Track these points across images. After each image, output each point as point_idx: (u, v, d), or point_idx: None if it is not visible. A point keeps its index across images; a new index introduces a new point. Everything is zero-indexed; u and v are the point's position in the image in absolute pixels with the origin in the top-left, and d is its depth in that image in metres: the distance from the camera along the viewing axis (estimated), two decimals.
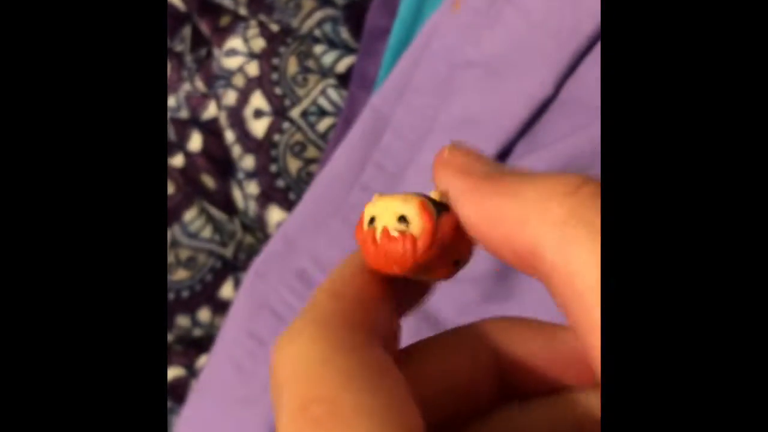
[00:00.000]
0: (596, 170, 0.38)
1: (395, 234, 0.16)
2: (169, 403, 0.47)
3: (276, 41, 0.50)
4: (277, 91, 0.49)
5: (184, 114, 0.52)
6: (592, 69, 0.38)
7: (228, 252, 0.49)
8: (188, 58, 0.53)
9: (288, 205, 0.48)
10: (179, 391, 0.48)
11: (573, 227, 0.14)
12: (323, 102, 0.49)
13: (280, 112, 0.49)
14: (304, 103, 0.49)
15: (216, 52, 0.52)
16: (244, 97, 0.50)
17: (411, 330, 0.18)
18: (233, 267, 0.49)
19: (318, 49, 0.49)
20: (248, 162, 0.49)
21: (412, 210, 0.17)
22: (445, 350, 0.18)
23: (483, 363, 0.18)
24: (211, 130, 0.51)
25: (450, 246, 0.17)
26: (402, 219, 0.17)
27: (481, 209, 0.16)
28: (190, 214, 0.50)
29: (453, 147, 0.18)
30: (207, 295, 0.49)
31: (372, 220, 0.17)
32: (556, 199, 0.15)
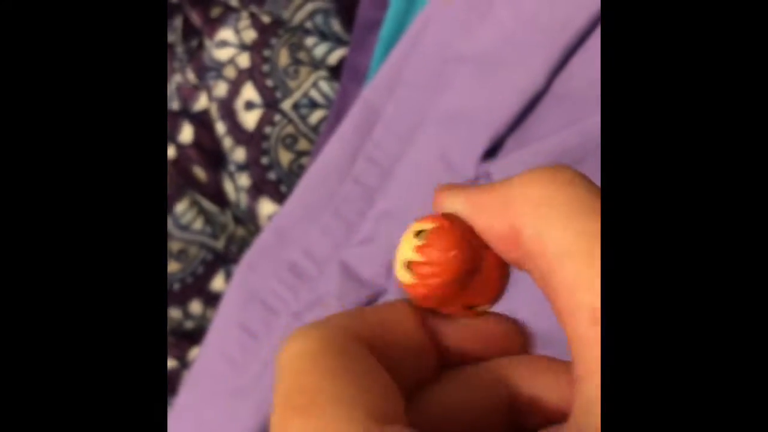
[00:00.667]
0: (587, 165, 0.38)
1: (422, 242, 0.18)
2: None
3: (267, 33, 0.50)
4: (269, 82, 0.49)
5: (175, 105, 0.52)
6: (582, 63, 0.38)
7: (219, 244, 0.49)
8: (179, 49, 0.53)
9: (279, 198, 0.49)
10: (171, 383, 0.48)
11: (547, 207, 0.16)
12: (315, 94, 0.49)
13: (271, 104, 0.49)
14: (296, 96, 0.49)
15: (207, 43, 0.52)
16: (235, 88, 0.50)
17: None
18: (224, 259, 0.49)
19: (309, 41, 0.49)
20: (239, 154, 0.49)
21: (416, 224, 0.18)
22: (464, 386, 0.19)
23: (498, 400, 0.18)
24: (202, 122, 0.51)
25: (472, 236, 0.18)
26: (418, 234, 0.18)
27: (471, 201, 0.18)
28: (181, 206, 0.50)
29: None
30: (198, 287, 0.49)
31: (408, 265, 0.18)
32: (536, 185, 0.17)
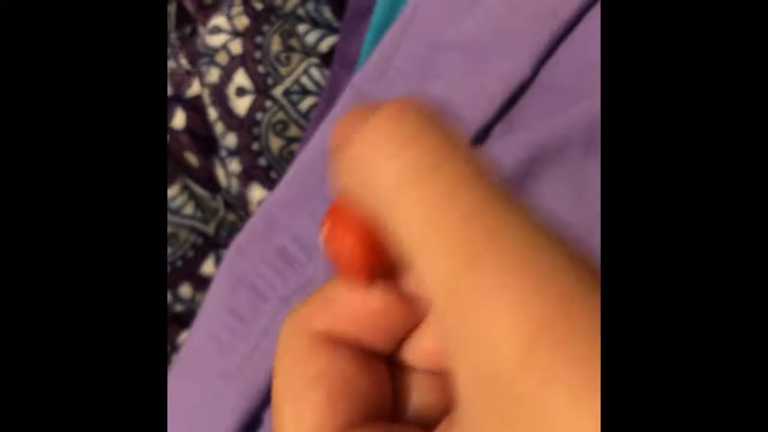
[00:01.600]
0: (569, 153, 0.38)
1: (324, 237, 0.18)
2: None
3: (260, 19, 0.50)
4: (260, 69, 0.50)
5: (168, 91, 0.52)
6: (569, 52, 0.38)
7: (210, 229, 0.50)
8: (173, 36, 0.53)
9: (269, 184, 0.49)
10: None
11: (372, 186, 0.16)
12: (306, 81, 0.49)
13: (262, 90, 0.49)
14: (287, 82, 0.49)
15: (200, 29, 0.52)
16: (227, 74, 0.50)
17: None
18: (215, 244, 0.50)
19: (301, 28, 0.50)
20: (231, 140, 0.50)
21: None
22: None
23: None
24: (195, 108, 0.51)
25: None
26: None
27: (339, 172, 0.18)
28: (172, 191, 0.50)
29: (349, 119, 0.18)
30: (188, 271, 0.49)
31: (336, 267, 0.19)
32: (362, 145, 0.17)
